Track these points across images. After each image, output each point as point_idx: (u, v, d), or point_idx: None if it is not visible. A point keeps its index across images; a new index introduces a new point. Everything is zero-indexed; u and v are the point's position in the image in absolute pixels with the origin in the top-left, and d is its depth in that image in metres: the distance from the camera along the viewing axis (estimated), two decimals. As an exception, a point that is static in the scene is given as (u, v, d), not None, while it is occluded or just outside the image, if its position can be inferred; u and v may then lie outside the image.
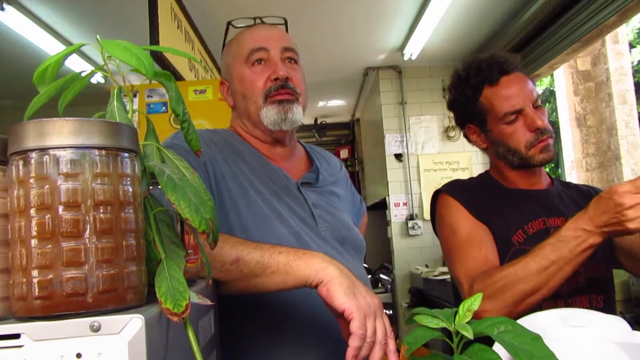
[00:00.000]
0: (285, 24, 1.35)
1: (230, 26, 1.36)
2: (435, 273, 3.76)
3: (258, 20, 1.31)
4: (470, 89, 1.37)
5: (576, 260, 1.06)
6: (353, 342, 0.80)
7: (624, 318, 0.85)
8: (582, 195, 1.41)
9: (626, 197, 0.99)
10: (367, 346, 0.82)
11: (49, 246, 0.47)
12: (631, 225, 0.98)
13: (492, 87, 1.34)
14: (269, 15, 1.32)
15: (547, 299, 1.19)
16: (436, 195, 1.44)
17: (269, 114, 1.20)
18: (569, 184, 1.48)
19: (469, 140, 1.47)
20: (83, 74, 0.62)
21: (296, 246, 1.07)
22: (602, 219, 1.02)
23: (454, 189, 1.39)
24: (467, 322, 0.68)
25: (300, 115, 1.22)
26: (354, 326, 0.81)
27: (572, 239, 1.05)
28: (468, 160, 4.53)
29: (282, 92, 1.20)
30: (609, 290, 1.30)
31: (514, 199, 1.35)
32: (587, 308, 1.21)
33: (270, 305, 1.06)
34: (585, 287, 1.25)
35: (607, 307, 1.26)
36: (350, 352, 0.80)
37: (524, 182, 1.39)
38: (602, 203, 1.03)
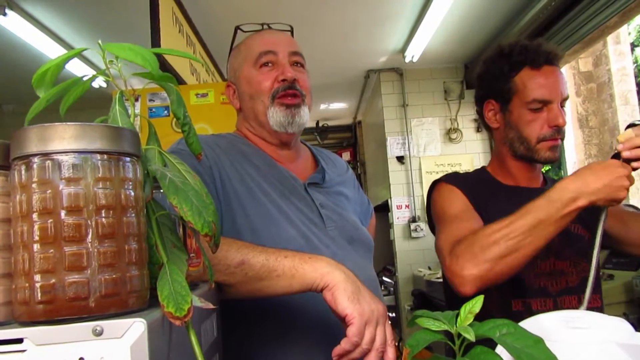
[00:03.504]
0: (292, 31, 1.38)
1: (238, 30, 1.38)
2: (438, 275, 3.75)
3: (266, 26, 1.34)
4: (509, 64, 1.35)
5: (561, 223, 1.08)
6: (343, 344, 0.81)
7: (627, 319, 0.84)
8: None
9: (621, 166, 1.07)
10: (360, 351, 0.82)
11: (52, 251, 0.48)
12: (622, 195, 1.05)
13: (532, 70, 1.32)
14: (273, 20, 1.35)
15: (537, 298, 1.23)
16: (433, 185, 1.44)
17: (276, 115, 1.21)
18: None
19: (481, 117, 1.45)
20: (85, 79, 0.62)
21: (304, 247, 1.07)
22: (599, 183, 1.06)
23: (454, 178, 1.39)
24: (469, 325, 0.68)
25: (306, 117, 1.25)
26: (350, 332, 0.82)
27: (562, 200, 1.08)
28: (470, 162, 4.53)
29: (290, 93, 1.22)
30: (600, 289, 1.32)
31: (510, 197, 1.34)
32: (577, 307, 1.23)
33: (278, 308, 1.06)
34: (576, 287, 1.27)
35: (601, 306, 1.29)
36: (336, 350, 0.81)
37: (522, 176, 1.39)
38: (599, 168, 1.08)
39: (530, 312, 1.26)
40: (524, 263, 1.11)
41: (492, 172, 1.44)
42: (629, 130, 1.11)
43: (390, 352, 0.85)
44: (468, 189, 1.34)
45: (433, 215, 1.40)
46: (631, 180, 1.07)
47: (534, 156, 1.33)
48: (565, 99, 1.32)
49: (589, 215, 1.26)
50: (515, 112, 1.34)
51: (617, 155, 1.11)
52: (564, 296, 1.27)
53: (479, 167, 1.54)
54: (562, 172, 5.28)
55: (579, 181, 1.08)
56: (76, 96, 0.61)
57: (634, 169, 1.10)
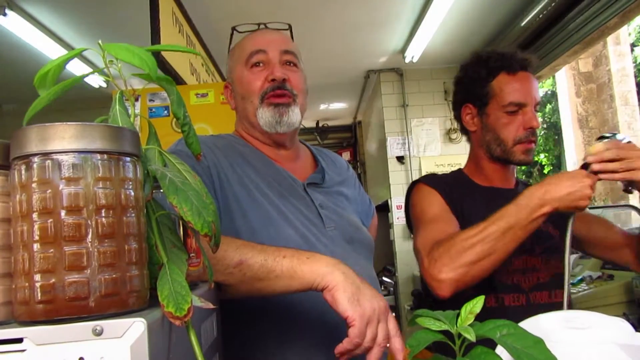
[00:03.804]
0: (290, 29, 1.37)
1: (234, 31, 1.38)
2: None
3: (262, 26, 1.33)
4: (486, 69, 1.42)
5: (529, 227, 1.16)
6: (345, 343, 0.82)
7: (628, 319, 0.84)
8: None
9: (587, 176, 1.15)
10: (362, 349, 0.83)
11: (52, 250, 0.48)
12: (584, 203, 1.14)
13: (509, 75, 1.39)
14: (272, 20, 1.34)
15: (510, 294, 1.33)
16: (412, 186, 1.50)
17: (264, 115, 1.21)
18: (528, 183, 1.57)
19: (459, 121, 1.52)
20: (85, 79, 0.62)
21: (303, 247, 1.07)
22: (562, 191, 1.14)
23: (432, 180, 1.46)
24: (470, 325, 0.68)
25: (297, 117, 1.23)
26: (352, 333, 0.82)
27: (529, 206, 1.15)
28: (470, 163, 4.52)
29: (278, 92, 1.21)
30: (564, 285, 1.38)
31: (485, 197, 1.41)
32: (547, 302, 1.32)
33: (278, 308, 1.06)
34: (547, 283, 1.35)
35: (562, 300, 1.35)
36: (338, 348, 0.82)
37: (497, 177, 1.46)
38: (565, 177, 1.16)
39: (503, 307, 1.32)
40: (497, 265, 1.18)
41: (468, 174, 1.51)
42: (600, 144, 1.18)
43: (397, 343, 0.84)
44: (445, 190, 1.40)
45: (412, 215, 1.45)
46: (594, 190, 1.14)
47: (509, 158, 1.40)
48: (538, 103, 1.40)
49: (558, 216, 1.31)
50: (493, 115, 1.41)
51: (586, 166, 1.18)
52: (536, 292, 1.34)
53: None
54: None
55: (545, 188, 1.15)
56: (65, 86, 0.61)
57: (599, 180, 1.17)
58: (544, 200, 1.14)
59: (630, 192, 1.24)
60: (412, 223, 1.44)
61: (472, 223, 1.30)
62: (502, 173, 1.46)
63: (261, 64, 1.24)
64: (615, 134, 1.25)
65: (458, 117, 1.52)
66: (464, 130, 1.53)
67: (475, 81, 1.44)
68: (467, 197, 1.41)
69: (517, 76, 1.39)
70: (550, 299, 1.34)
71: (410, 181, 1.65)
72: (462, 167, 1.58)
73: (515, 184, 1.50)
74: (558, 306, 1.28)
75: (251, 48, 1.25)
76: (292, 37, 1.36)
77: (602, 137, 1.25)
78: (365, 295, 0.86)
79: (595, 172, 1.16)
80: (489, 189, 1.45)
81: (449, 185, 1.43)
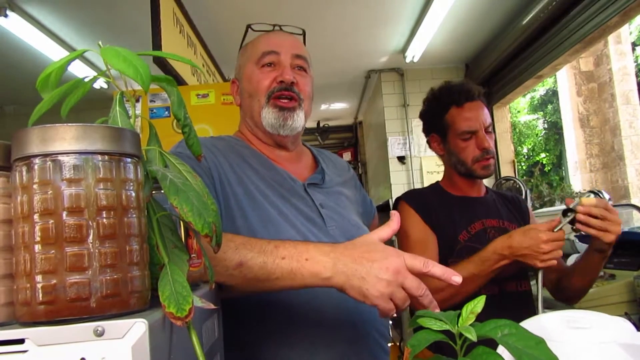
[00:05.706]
0: (304, 34, 1.38)
1: (249, 29, 1.38)
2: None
3: (277, 28, 1.34)
4: (440, 106, 1.69)
5: (490, 276, 1.42)
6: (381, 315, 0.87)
7: (630, 319, 0.84)
8: (509, 201, 1.79)
9: (547, 244, 1.34)
10: (403, 308, 0.85)
11: (53, 251, 0.48)
12: (540, 264, 1.35)
13: (457, 109, 1.65)
14: (280, 23, 1.35)
15: (487, 285, 1.52)
16: (396, 202, 1.74)
17: (268, 116, 1.22)
18: (497, 192, 1.85)
19: (430, 146, 1.80)
20: (86, 80, 0.62)
21: None
22: (522, 251, 1.36)
23: (411, 197, 1.71)
24: (471, 325, 0.68)
25: (301, 122, 1.24)
26: (380, 313, 0.86)
27: (490, 259, 1.40)
28: (471, 162, 4.52)
29: (285, 94, 1.22)
30: (528, 277, 1.66)
31: (459, 205, 1.67)
32: (515, 290, 1.58)
33: (279, 308, 1.06)
34: (514, 275, 1.59)
35: (530, 290, 1.64)
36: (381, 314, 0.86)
37: (468, 188, 1.71)
38: (528, 237, 1.36)
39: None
40: (462, 301, 1.28)
41: (444, 186, 1.76)
42: (592, 198, 1.36)
43: (437, 271, 0.89)
44: (423, 209, 1.64)
45: (398, 235, 1.68)
46: (551, 247, 1.33)
47: (472, 174, 1.66)
48: (488, 126, 1.64)
49: (521, 214, 1.71)
50: (452, 142, 1.67)
51: (567, 210, 1.36)
52: (506, 282, 1.59)
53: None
54: (563, 171, 5.29)
55: (508, 243, 1.38)
56: (77, 98, 0.62)
57: (575, 229, 1.37)
58: (503, 256, 1.38)
59: (582, 240, 1.41)
60: (398, 244, 1.68)
61: (448, 231, 1.60)
62: (471, 185, 1.71)
63: (272, 65, 1.25)
64: (602, 192, 1.50)
65: (429, 144, 1.79)
66: (436, 152, 1.80)
67: (433, 116, 1.72)
68: (442, 206, 1.65)
69: (465, 107, 1.64)
70: (517, 288, 1.60)
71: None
72: (439, 180, 1.84)
73: (485, 191, 1.75)
74: (524, 294, 1.58)
75: (264, 48, 1.26)
76: (305, 43, 1.37)
77: (592, 192, 1.48)
78: (371, 275, 0.85)
79: (574, 221, 1.35)
80: (462, 197, 1.70)
81: (426, 201, 1.67)
